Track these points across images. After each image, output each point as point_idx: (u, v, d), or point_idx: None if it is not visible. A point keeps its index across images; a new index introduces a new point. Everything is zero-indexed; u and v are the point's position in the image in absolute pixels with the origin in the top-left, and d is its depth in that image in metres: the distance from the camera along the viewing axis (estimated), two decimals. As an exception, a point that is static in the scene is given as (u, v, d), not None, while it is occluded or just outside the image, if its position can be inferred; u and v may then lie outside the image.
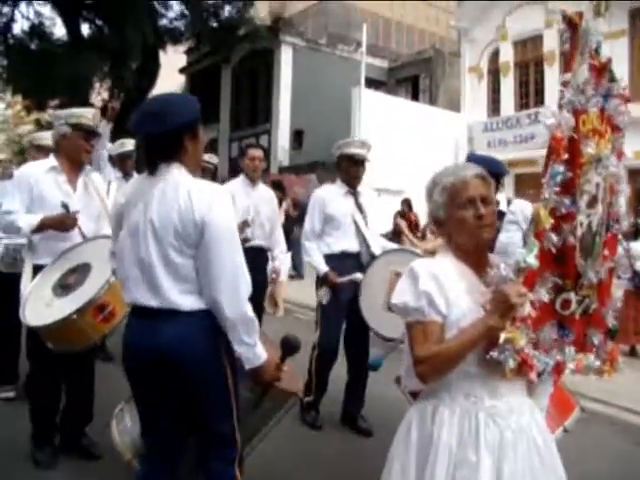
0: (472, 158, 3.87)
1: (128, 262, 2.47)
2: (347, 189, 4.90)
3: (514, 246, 3.45)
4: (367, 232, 4.82)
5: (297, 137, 23.68)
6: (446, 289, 2.07)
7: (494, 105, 21.92)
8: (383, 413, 4.68)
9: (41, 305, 3.57)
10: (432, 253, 4.79)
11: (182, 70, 31.01)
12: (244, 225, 4.94)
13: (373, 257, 4.73)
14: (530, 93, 21.00)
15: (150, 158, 2.48)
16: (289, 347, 2.64)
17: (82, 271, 3.70)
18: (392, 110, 19.81)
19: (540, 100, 20.35)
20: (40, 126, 23.78)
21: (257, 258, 5.36)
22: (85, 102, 20.60)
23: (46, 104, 22.35)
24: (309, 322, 5.21)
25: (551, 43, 20.05)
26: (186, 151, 2.48)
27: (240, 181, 5.65)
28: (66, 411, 4.15)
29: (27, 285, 3.76)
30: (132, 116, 2.45)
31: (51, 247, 3.88)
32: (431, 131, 19.82)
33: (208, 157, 6.27)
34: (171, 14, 22.04)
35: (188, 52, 27.78)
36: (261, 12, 26.14)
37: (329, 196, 4.92)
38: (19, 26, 62.05)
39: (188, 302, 2.40)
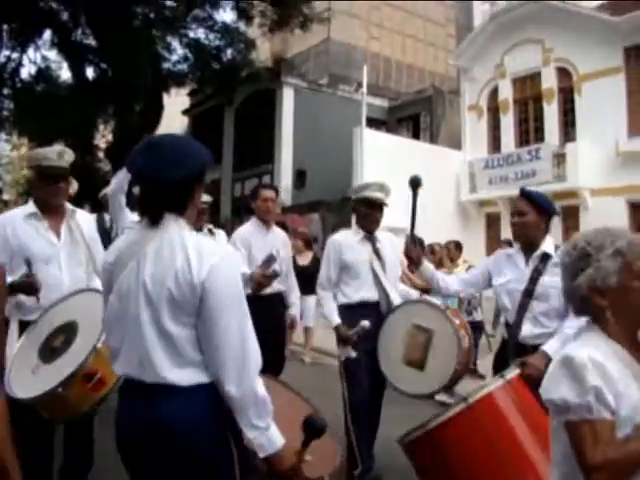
0: (525, 193, 3.81)
1: (117, 331, 2.15)
2: (364, 234, 4.59)
3: (556, 291, 3.28)
4: (386, 280, 4.52)
5: (299, 177, 23.85)
6: (614, 380, 1.76)
7: (494, 142, 22.16)
8: (393, 456, 4.32)
9: (27, 372, 3.17)
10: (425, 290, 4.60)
11: (185, 112, 31.41)
12: (270, 260, 4.62)
13: (392, 307, 4.45)
14: (530, 130, 21.23)
15: (156, 208, 2.12)
16: (313, 430, 2.19)
17: (69, 331, 3.28)
18: (393, 149, 20.01)
19: (540, 136, 20.59)
20: (45, 168, 24.00)
21: (277, 304, 5.19)
22: (89, 144, 20.94)
23: (51, 146, 22.65)
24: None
25: (549, 80, 20.37)
26: (192, 201, 2.18)
27: (253, 224, 5.40)
28: (64, 461, 3.81)
29: (13, 345, 3.34)
30: (134, 159, 2.13)
31: (36, 301, 3.45)
32: (432, 169, 19.93)
33: (205, 197, 5.84)
34: (174, 57, 22.41)
35: (191, 94, 28.17)
36: (262, 54, 26.58)
37: (345, 242, 4.61)
38: (26, 70, 63.03)
39: (186, 377, 2.06)
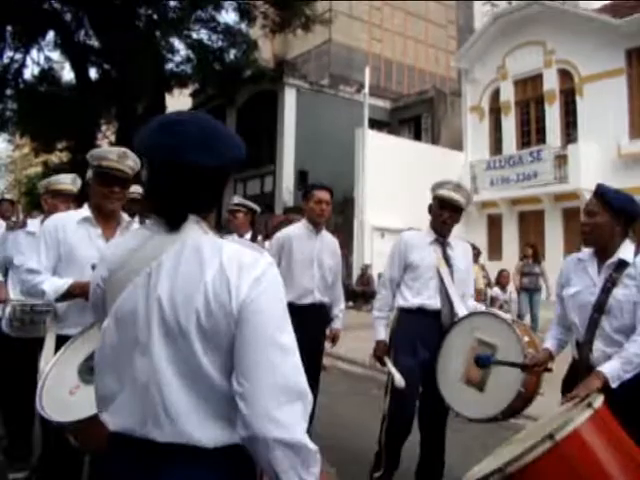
0: (599, 191, 3.32)
1: (115, 370, 1.60)
2: (435, 237, 4.20)
3: (630, 306, 3.04)
4: (452, 288, 4.11)
5: (301, 178, 23.90)
6: None
7: (496, 144, 22.22)
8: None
9: (64, 392, 2.81)
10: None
11: (187, 112, 31.49)
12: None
13: (457, 319, 4.04)
14: (531, 131, 21.28)
15: (177, 206, 1.59)
16: None
17: None
18: (395, 150, 20.09)
19: (541, 138, 20.64)
20: (47, 168, 24.17)
21: (318, 316, 4.87)
22: (92, 144, 20.97)
23: (54, 146, 22.77)
24: (355, 376, 4.58)
25: (551, 82, 20.41)
26: (220, 199, 1.69)
27: (302, 226, 4.99)
28: None
29: (48, 360, 2.99)
30: (145, 138, 1.61)
31: (80, 315, 3.13)
32: (434, 170, 19.93)
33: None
34: (177, 58, 22.52)
35: (194, 94, 28.23)
36: (264, 55, 26.65)
37: (413, 242, 4.23)
38: (29, 71, 63.16)
39: (213, 434, 1.51)
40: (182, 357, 1.51)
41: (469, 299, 4.35)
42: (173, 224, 1.59)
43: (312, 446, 1.49)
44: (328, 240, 5.08)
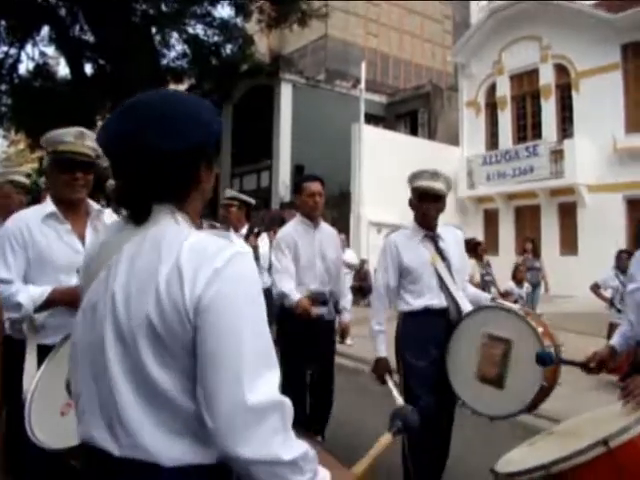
0: None
1: (81, 370, 1.42)
2: (424, 233, 3.98)
3: None
4: (452, 284, 3.93)
5: (298, 173, 23.87)
6: None
7: (492, 138, 22.25)
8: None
9: (54, 413, 2.44)
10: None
11: (183, 108, 31.41)
12: (313, 300, 4.18)
13: (462, 315, 3.84)
14: (527, 126, 21.32)
15: (139, 195, 1.42)
16: (406, 427, 1.77)
17: None
18: (391, 145, 20.10)
19: (537, 133, 20.69)
20: (42, 164, 24.11)
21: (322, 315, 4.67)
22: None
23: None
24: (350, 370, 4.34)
25: (547, 77, 20.44)
26: (197, 187, 1.47)
27: (298, 222, 4.83)
28: None
29: (31, 376, 2.60)
30: (106, 125, 1.49)
31: (61, 321, 2.74)
32: (430, 165, 19.86)
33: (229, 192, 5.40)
34: (173, 53, 22.48)
35: (190, 90, 28.14)
36: (260, 50, 26.62)
37: (403, 242, 4.00)
38: (24, 66, 62.93)
39: (175, 453, 1.32)
40: (134, 365, 1.31)
41: (468, 286, 4.24)
42: (138, 218, 1.42)
43: (295, 454, 1.32)
44: (328, 232, 4.95)
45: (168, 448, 1.31)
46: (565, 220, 19.35)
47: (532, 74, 21.08)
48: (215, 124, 1.47)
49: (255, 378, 1.28)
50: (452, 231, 4.20)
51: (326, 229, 4.96)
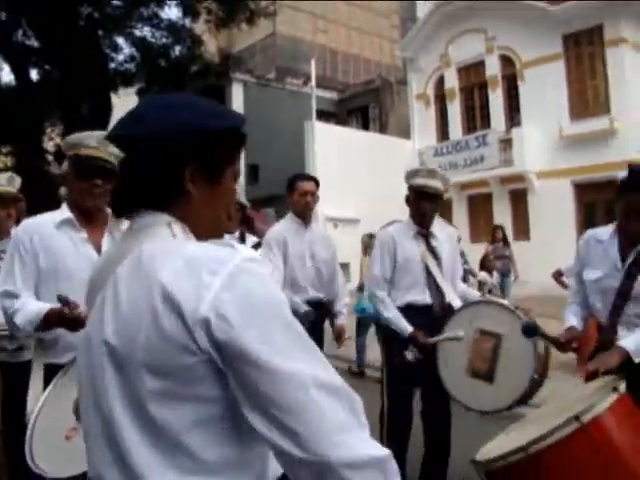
0: (636, 174, 3.00)
1: (86, 398, 1.28)
2: (417, 229, 4.02)
3: None
4: (442, 280, 3.95)
5: (252, 172, 23.92)
6: None
7: (443, 130, 22.60)
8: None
9: (58, 437, 2.25)
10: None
11: (134, 111, 31.02)
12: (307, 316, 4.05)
13: (451, 311, 3.82)
14: (476, 117, 21.72)
15: (124, 197, 1.31)
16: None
17: None
18: (344, 140, 20.27)
19: (486, 123, 21.10)
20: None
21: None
22: (38, 147, 20.64)
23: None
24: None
25: (493, 68, 20.86)
26: (183, 189, 1.25)
27: (289, 221, 4.68)
28: None
29: (36, 398, 2.42)
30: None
31: (74, 339, 2.40)
32: (383, 159, 20.27)
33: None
34: (121, 57, 22.21)
35: (140, 93, 27.89)
36: (209, 50, 26.49)
37: (398, 236, 4.02)
38: (-36, 73, 61.34)
39: None
40: (135, 401, 1.14)
41: (459, 283, 4.24)
42: (128, 218, 1.30)
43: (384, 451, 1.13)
44: (319, 232, 4.87)
45: None
46: (517, 207, 19.82)
47: (479, 66, 21.47)
48: (204, 118, 1.27)
49: (333, 401, 1.10)
50: (446, 230, 4.23)
51: (317, 230, 4.89)
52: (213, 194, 1.29)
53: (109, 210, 2.77)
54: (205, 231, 1.30)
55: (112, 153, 2.65)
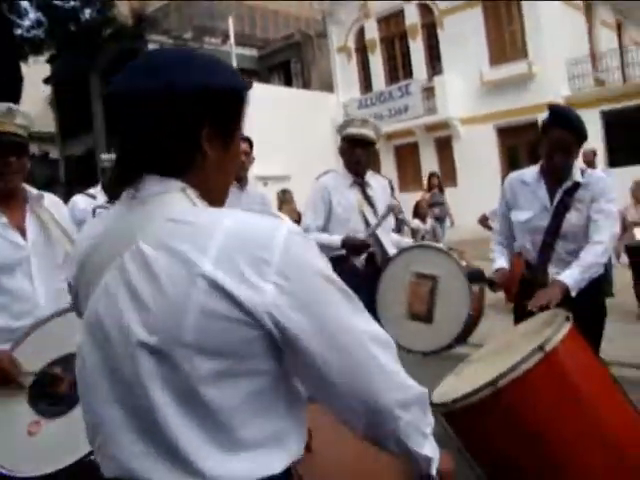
0: (569, 124, 3.08)
1: (99, 395, 1.16)
2: (353, 179, 4.03)
3: (582, 229, 3.13)
4: (380, 229, 3.97)
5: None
6: None
7: (366, 82, 22.60)
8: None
9: (20, 433, 2.05)
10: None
11: (47, 80, 29.83)
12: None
13: (388, 259, 3.85)
14: (398, 67, 21.81)
15: (130, 160, 1.19)
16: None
17: (67, 367, 2.15)
18: (267, 98, 19.96)
19: (408, 72, 21.20)
20: None
21: None
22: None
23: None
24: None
25: (412, 17, 20.85)
26: (202, 149, 1.18)
27: None
28: None
29: None
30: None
31: (3, 329, 2.40)
32: (308, 114, 20.16)
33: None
34: (27, 22, 21.18)
35: (51, 60, 26.77)
36: (122, 12, 25.55)
37: (333, 185, 4.02)
38: None
39: (243, 470, 1.11)
40: (180, 380, 1.07)
41: (391, 234, 4.27)
42: (120, 190, 1.19)
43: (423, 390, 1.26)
44: (254, 195, 4.76)
45: (235, 468, 1.11)
46: (442, 154, 20.11)
47: (398, 15, 21.44)
48: (217, 74, 1.20)
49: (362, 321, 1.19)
50: (379, 180, 4.25)
51: (254, 193, 4.80)
52: (226, 157, 1.24)
53: (28, 187, 2.64)
54: (215, 198, 1.23)
55: (20, 125, 2.44)
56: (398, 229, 10.15)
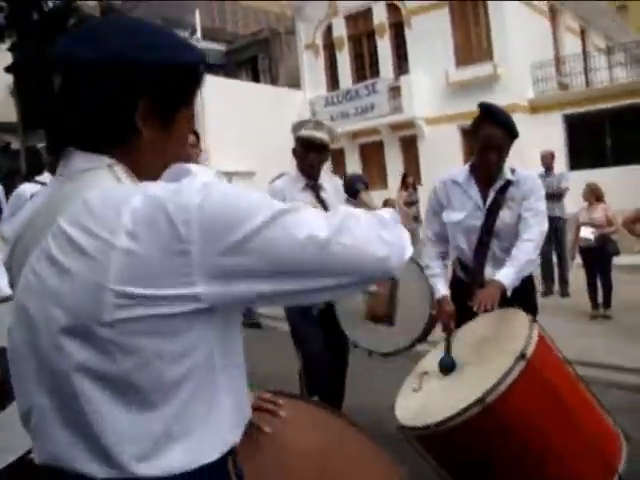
0: (499, 120, 3.11)
1: (26, 380, 1.11)
2: (306, 181, 3.97)
3: (513, 228, 3.18)
4: None
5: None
6: None
7: (333, 79, 22.57)
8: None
9: None
10: None
11: (8, 69, 29.20)
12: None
13: None
14: (365, 65, 21.80)
15: (52, 131, 1.16)
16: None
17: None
18: (234, 93, 19.86)
19: (375, 71, 21.22)
20: None
21: None
22: None
23: None
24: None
25: (380, 16, 20.88)
26: (135, 125, 1.11)
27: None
28: None
29: None
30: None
31: None
32: (275, 110, 20.05)
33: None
34: (-13, 9, 20.74)
35: (13, 48, 26.23)
36: (89, 2, 25.16)
37: (288, 189, 3.93)
38: None
39: (167, 460, 1.06)
40: (98, 362, 1.02)
41: None
42: (62, 162, 1.12)
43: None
44: None
45: (158, 460, 1.05)
46: (407, 153, 20.19)
47: (366, 13, 21.43)
48: (186, 52, 1.17)
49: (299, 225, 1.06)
50: (332, 182, 4.20)
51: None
52: (165, 137, 1.16)
53: None
54: (150, 180, 1.14)
55: None
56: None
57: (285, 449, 1.41)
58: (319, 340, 3.79)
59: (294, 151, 4.03)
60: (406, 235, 1.22)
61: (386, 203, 11.78)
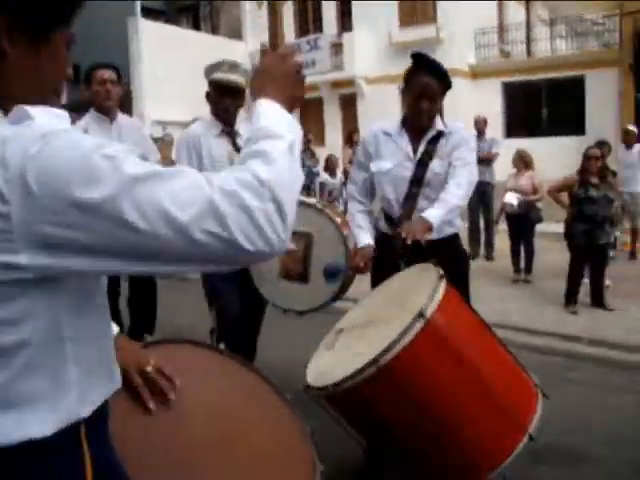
0: (442, 71, 3.11)
1: None
2: (221, 127, 3.76)
3: (444, 177, 3.15)
4: None
5: (74, 72, 22.26)
6: None
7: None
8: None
9: None
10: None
11: None
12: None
13: None
14: (309, 20, 21.50)
15: None
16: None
17: None
18: (173, 41, 19.32)
19: (319, 27, 20.96)
20: None
21: None
22: None
23: None
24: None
25: (325, -30, 20.52)
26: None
27: (91, 117, 4.40)
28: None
29: None
30: None
31: None
32: (215, 60, 19.61)
33: None
34: None
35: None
36: None
37: (204, 134, 3.73)
38: None
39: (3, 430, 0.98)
40: None
41: None
42: None
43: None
44: (128, 124, 4.55)
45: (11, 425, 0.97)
46: (347, 111, 20.13)
47: (313, -33, 21.07)
48: None
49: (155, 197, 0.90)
50: (248, 127, 3.95)
51: (126, 121, 4.58)
52: (36, 59, 1.00)
53: None
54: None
55: None
56: (310, 182, 10.10)
57: (187, 406, 1.39)
58: (233, 295, 3.66)
59: (207, 95, 3.81)
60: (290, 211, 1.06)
61: (328, 160, 11.69)
